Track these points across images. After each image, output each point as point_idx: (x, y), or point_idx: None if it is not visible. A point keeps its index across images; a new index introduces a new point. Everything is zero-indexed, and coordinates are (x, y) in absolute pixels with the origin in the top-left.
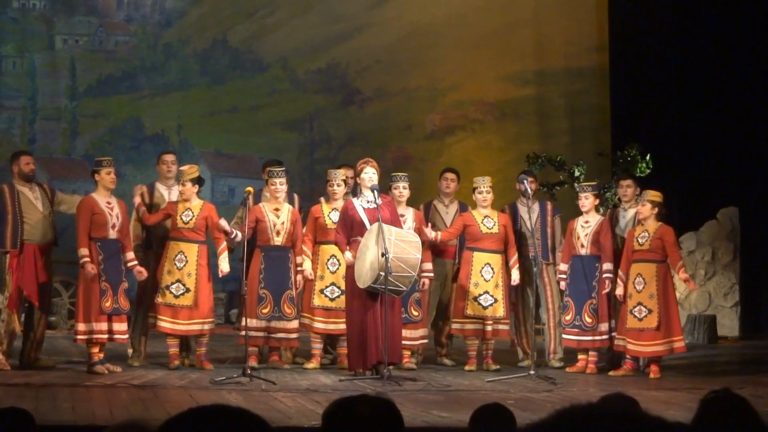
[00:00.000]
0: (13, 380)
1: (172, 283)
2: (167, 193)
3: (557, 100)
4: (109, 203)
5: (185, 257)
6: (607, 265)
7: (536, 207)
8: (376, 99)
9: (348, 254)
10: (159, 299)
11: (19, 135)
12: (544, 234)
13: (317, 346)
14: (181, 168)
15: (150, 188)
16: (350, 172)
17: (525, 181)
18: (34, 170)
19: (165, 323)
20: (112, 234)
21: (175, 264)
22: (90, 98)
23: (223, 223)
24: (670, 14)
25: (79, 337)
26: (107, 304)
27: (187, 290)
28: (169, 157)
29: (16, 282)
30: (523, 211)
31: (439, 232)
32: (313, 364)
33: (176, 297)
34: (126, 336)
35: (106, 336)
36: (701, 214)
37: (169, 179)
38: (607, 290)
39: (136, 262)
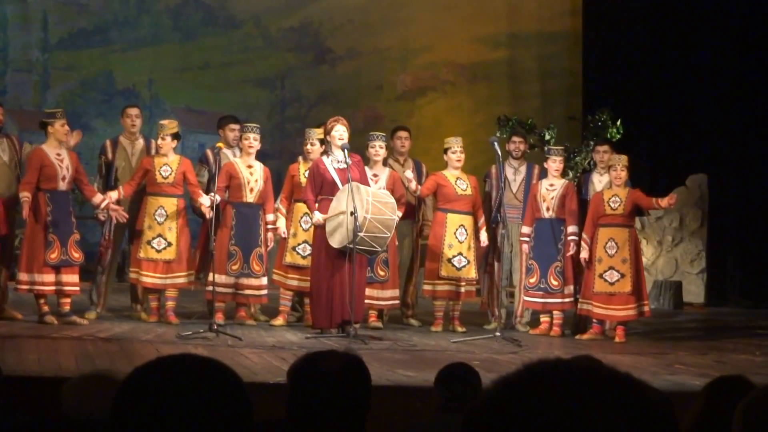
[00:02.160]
0: None
1: (154, 238)
2: (130, 147)
3: (529, 63)
4: (59, 155)
5: (165, 212)
6: (573, 228)
7: (523, 169)
8: (348, 58)
9: (318, 214)
10: (141, 254)
11: None
12: (527, 197)
13: (285, 303)
14: (162, 122)
15: (113, 143)
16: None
17: (494, 144)
18: (3, 121)
19: (147, 278)
20: (62, 186)
21: (155, 219)
22: (61, 51)
23: (205, 205)
24: None
25: (21, 287)
26: (53, 255)
27: (169, 244)
28: (134, 111)
29: None
30: (508, 172)
31: (419, 187)
32: (279, 321)
33: (158, 251)
34: (77, 288)
35: (51, 288)
36: (670, 180)
37: (133, 133)
38: (571, 252)
39: (107, 201)
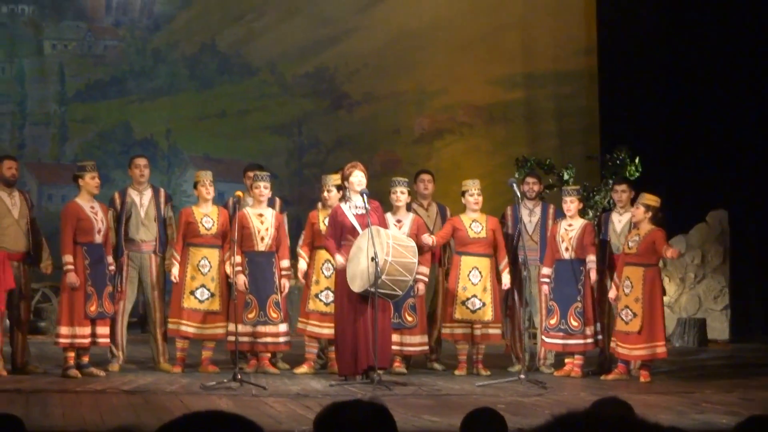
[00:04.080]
0: (4, 386)
1: (197, 288)
2: (138, 198)
3: (546, 103)
4: (92, 208)
5: (209, 262)
6: (590, 257)
7: (538, 210)
8: (365, 103)
9: (339, 258)
10: (184, 304)
11: (8, 140)
12: (543, 237)
13: (312, 351)
14: (202, 172)
15: (122, 194)
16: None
17: (513, 185)
18: (17, 175)
19: (189, 328)
20: (98, 238)
21: (198, 269)
22: (79, 103)
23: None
24: (657, 17)
25: (62, 341)
26: (92, 308)
27: (212, 295)
28: (142, 161)
29: None
30: (523, 213)
31: (433, 237)
32: (304, 369)
33: (201, 302)
34: (108, 339)
35: (88, 340)
36: (690, 216)
37: (141, 183)
38: (593, 280)
39: (113, 267)
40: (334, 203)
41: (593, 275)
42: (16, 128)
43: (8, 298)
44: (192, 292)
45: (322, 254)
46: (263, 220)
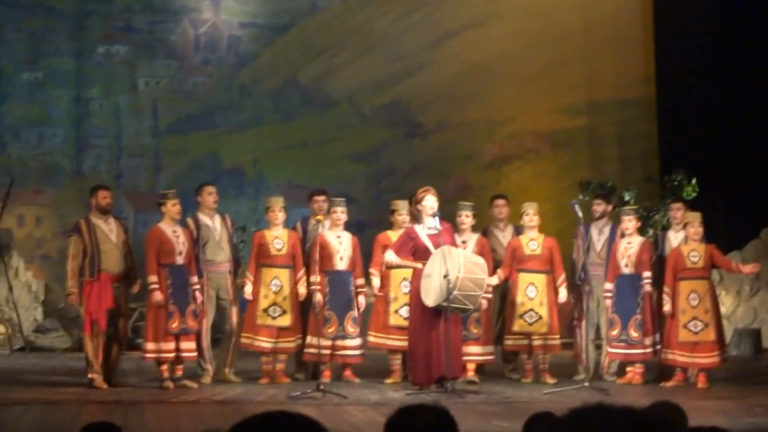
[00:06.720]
0: (105, 398)
1: (270, 306)
2: (211, 222)
3: (607, 129)
4: (175, 231)
5: (280, 282)
6: (646, 273)
7: (606, 229)
8: (438, 131)
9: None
10: (258, 321)
11: (106, 171)
12: (609, 255)
13: (396, 362)
14: (272, 198)
15: (195, 220)
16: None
17: (574, 206)
18: (111, 204)
19: (263, 343)
20: (180, 260)
21: (270, 288)
22: (171, 136)
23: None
24: (712, 47)
25: (148, 355)
26: (174, 324)
27: (284, 312)
28: (213, 188)
29: (88, 308)
30: (593, 232)
31: (500, 272)
32: (392, 379)
33: (274, 318)
34: (194, 354)
35: (173, 354)
36: (745, 233)
37: (213, 209)
38: (648, 291)
39: (198, 287)
40: (400, 227)
41: (647, 288)
42: (114, 160)
43: (108, 316)
44: (265, 310)
45: (399, 273)
46: (341, 241)
